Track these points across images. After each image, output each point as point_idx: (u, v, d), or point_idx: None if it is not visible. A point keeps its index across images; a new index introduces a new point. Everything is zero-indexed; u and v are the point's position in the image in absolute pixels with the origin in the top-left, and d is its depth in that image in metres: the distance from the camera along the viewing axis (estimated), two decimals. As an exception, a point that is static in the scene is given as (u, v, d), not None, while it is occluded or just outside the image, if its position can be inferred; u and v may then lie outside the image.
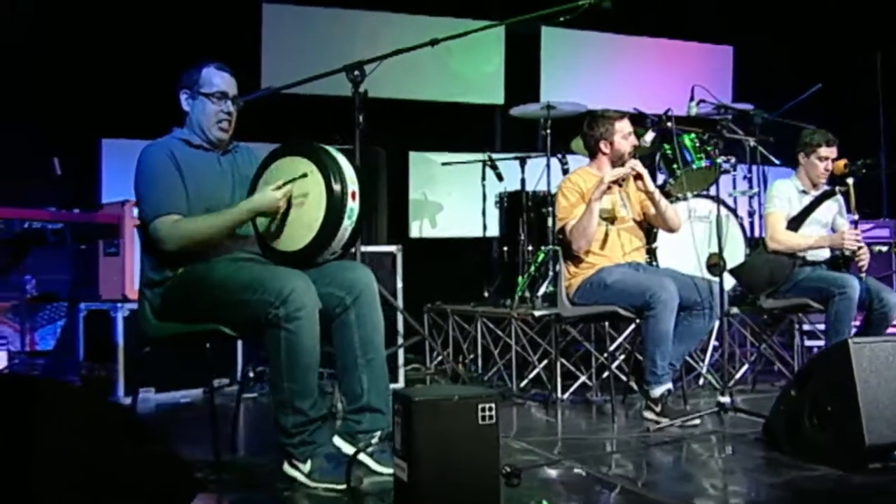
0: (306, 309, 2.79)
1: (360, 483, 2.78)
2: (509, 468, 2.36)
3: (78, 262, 4.95)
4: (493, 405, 2.13)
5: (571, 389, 4.55)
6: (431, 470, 2.08)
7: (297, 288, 2.80)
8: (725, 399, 3.76)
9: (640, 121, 5.43)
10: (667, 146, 5.16)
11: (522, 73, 6.61)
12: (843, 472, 2.86)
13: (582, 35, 6.67)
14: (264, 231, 3.11)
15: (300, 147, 3.09)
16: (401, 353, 5.15)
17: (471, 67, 6.49)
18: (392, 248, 5.19)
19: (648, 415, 3.89)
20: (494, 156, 5.67)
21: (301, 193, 3.03)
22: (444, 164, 5.95)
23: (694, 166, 5.08)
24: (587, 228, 4.04)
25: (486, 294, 5.63)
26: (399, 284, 5.17)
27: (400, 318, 5.11)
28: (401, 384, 5.11)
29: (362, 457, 2.97)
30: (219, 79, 3.21)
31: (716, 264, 4.86)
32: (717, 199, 4.97)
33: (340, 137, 4.10)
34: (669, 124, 4.20)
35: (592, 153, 4.31)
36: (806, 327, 5.32)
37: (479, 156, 5.71)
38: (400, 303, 5.15)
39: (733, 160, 5.27)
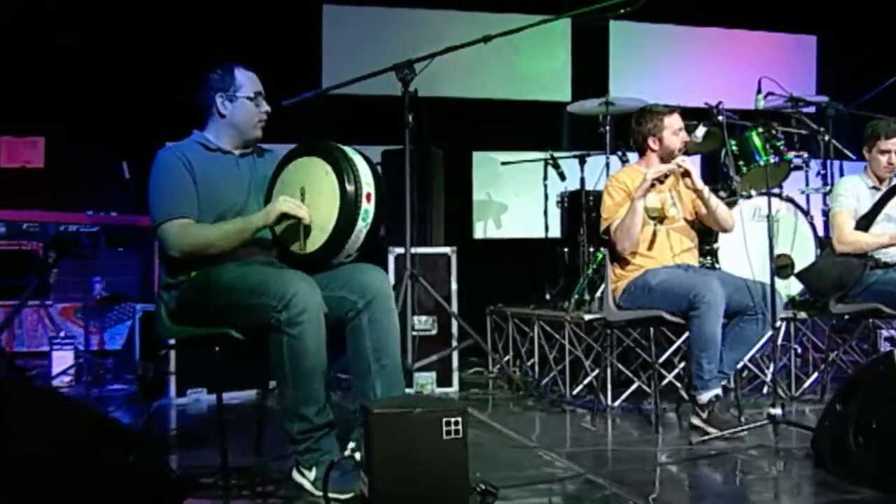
0: (309, 313, 2.73)
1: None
2: (484, 486, 2.23)
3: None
4: (458, 419, 2.01)
5: (623, 397, 4.36)
6: (391, 486, 1.98)
7: (300, 292, 2.73)
8: (776, 411, 3.51)
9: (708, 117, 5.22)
10: (732, 142, 4.92)
11: (590, 68, 6.42)
12: (887, 496, 2.62)
13: (652, 28, 6.43)
14: (281, 232, 3.07)
15: (316, 148, 3.03)
16: (454, 356, 5.06)
17: (537, 64, 6.35)
18: (446, 250, 5.10)
19: (695, 421, 3.70)
20: (557, 154, 5.51)
21: (317, 195, 2.97)
22: (503, 163, 5.82)
23: (761, 162, 4.82)
24: (631, 229, 3.86)
25: (547, 297, 5.48)
26: (454, 286, 5.08)
27: (454, 320, 5.02)
28: (455, 388, 5.04)
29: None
30: (252, 80, 3.22)
31: (784, 266, 4.61)
32: (783, 197, 4.75)
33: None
34: (720, 118, 3.94)
35: (641, 150, 4.13)
36: (891, 333, 4.98)
37: (542, 154, 5.55)
38: (455, 305, 5.06)
39: (806, 155, 4.97)
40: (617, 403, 4.33)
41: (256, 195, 3.14)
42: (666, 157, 4.00)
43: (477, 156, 6.29)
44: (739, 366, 4.00)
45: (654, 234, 3.98)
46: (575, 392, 4.64)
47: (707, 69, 6.26)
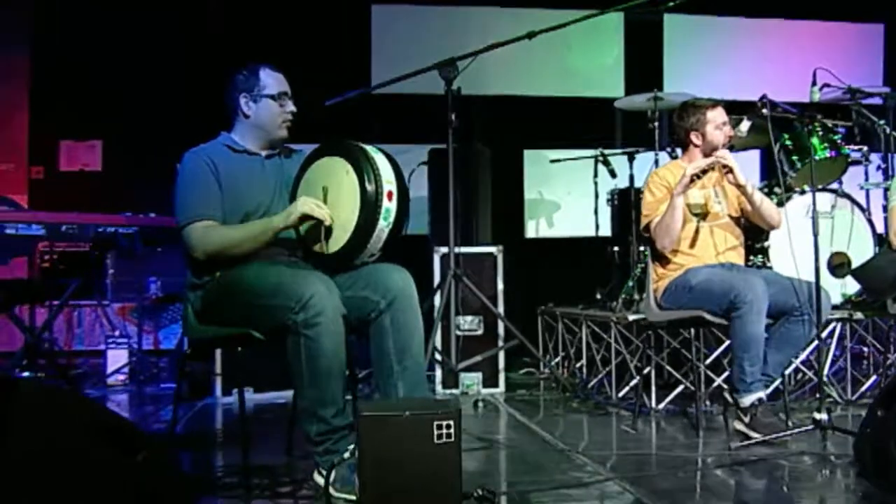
0: (326, 315, 2.71)
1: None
2: (481, 491, 2.17)
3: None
4: (451, 422, 1.96)
5: (668, 399, 4.24)
6: (382, 490, 1.93)
7: (318, 293, 2.72)
8: (823, 416, 3.36)
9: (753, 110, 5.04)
10: (786, 136, 4.75)
11: (643, 63, 6.28)
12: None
13: (707, 20, 6.27)
14: (305, 234, 3.06)
15: (337, 147, 3.01)
16: (501, 357, 5.01)
17: (589, 60, 6.24)
18: (493, 249, 5.05)
19: (738, 426, 3.56)
20: (607, 151, 5.40)
21: (339, 195, 2.96)
22: (552, 161, 5.73)
23: (817, 157, 4.63)
24: (670, 226, 3.75)
25: (598, 296, 5.37)
26: (500, 286, 5.02)
27: (500, 321, 4.97)
28: (501, 389, 4.99)
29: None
30: (278, 80, 3.20)
31: (840, 265, 4.44)
32: (839, 193, 4.56)
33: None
34: (764, 111, 3.79)
35: (684, 145, 4.00)
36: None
37: (592, 152, 5.45)
38: (501, 305, 5.01)
39: (865, 149, 4.77)
40: (662, 406, 4.22)
41: (283, 196, 3.14)
42: (709, 153, 3.87)
43: (528, 154, 6.21)
44: (788, 370, 3.85)
45: (697, 232, 3.86)
46: (621, 394, 4.53)
47: (765, 61, 6.06)
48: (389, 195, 2.92)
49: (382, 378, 2.96)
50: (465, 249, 5.00)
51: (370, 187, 2.87)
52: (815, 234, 3.54)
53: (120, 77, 5.78)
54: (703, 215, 3.85)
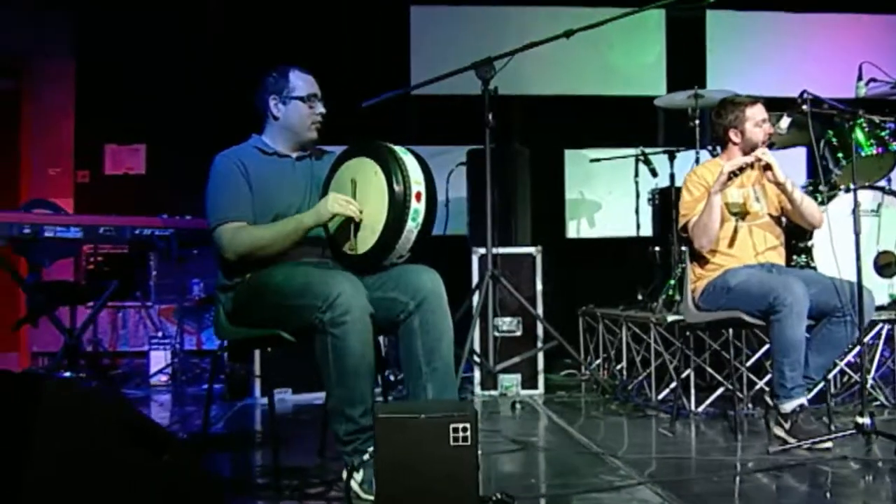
0: (352, 314, 2.70)
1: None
2: (500, 495, 2.14)
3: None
4: (467, 425, 1.93)
5: (708, 402, 4.17)
6: (397, 493, 1.92)
7: (344, 292, 2.72)
8: (865, 420, 3.27)
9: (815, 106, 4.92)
10: (831, 133, 4.64)
11: (686, 61, 6.18)
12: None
13: (750, 16, 6.15)
14: (334, 233, 3.07)
15: (366, 148, 3.01)
16: (540, 358, 4.97)
17: (630, 58, 6.16)
18: (531, 250, 5.01)
19: (778, 431, 3.48)
20: (649, 150, 5.33)
21: (368, 195, 2.96)
22: (592, 160, 5.67)
23: (863, 154, 4.52)
24: (708, 225, 3.68)
25: (639, 297, 5.30)
26: (539, 287, 4.99)
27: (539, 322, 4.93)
28: (540, 390, 4.95)
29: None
30: (306, 82, 3.20)
31: (887, 264, 4.33)
32: (886, 190, 4.45)
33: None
34: (805, 108, 3.70)
35: (722, 143, 3.93)
36: None
37: (632, 151, 5.38)
38: (540, 306, 4.97)
39: (913, 145, 4.64)
40: (701, 409, 4.14)
41: (313, 197, 3.14)
42: (748, 150, 3.79)
43: (569, 154, 6.15)
44: (833, 372, 3.75)
45: (736, 231, 3.78)
46: (661, 396, 4.46)
47: (810, 57, 5.93)
48: (418, 196, 2.91)
49: (412, 380, 2.95)
50: (503, 250, 4.98)
51: (398, 188, 2.87)
52: (857, 234, 3.44)
53: (162, 81, 5.86)
54: (742, 214, 3.76)
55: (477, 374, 4.91)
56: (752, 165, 3.66)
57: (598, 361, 5.34)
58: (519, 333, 4.95)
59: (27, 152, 5.91)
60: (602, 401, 4.67)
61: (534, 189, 5.87)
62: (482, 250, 4.80)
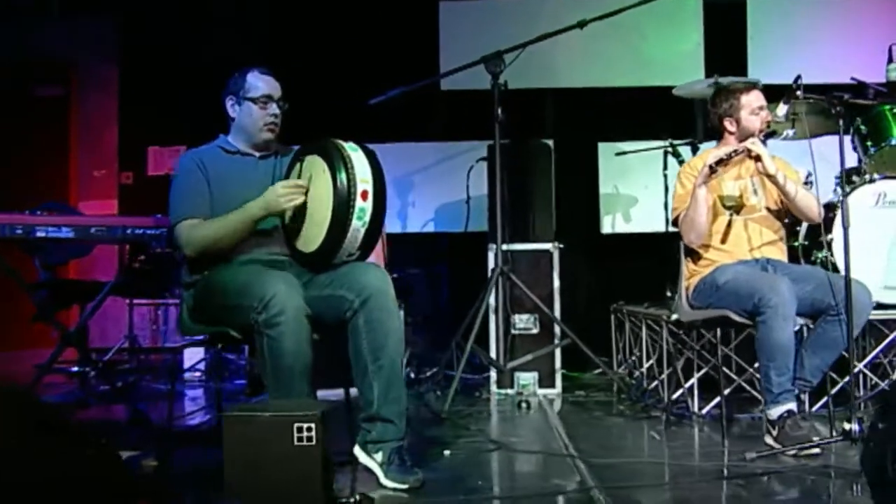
0: (286, 314, 2.72)
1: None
2: (358, 496, 2.09)
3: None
4: (312, 425, 1.90)
5: (713, 404, 3.99)
6: (245, 490, 1.90)
7: (279, 293, 2.74)
8: (853, 426, 3.05)
9: (861, 92, 4.65)
10: (860, 120, 4.37)
11: (725, 48, 5.92)
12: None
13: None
14: (289, 231, 3.09)
15: (316, 146, 3.02)
16: (558, 356, 4.86)
17: (666, 48, 5.94)
18: (548, 247, 4.91)
19: (767, 439, 3.30)
20: (677, 142, 5.14)
21: (317, 193, 2.97)
22: (618, 153, 5.50)
23: (893, 142, 4.24)
24: (694, 220, 3.53)
25: (668, 293, 5.12)
26: (556, 284, 4.89)
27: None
28: (557, 389, 4.84)
29: (374, 468, 2.87)
30: (262, 83, 3.22)
31: (915, 260, 4.05)
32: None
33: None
34: (798, 93, 3.48)
35: (719, 132, 3.75)
36: None
37: (660, 143, 5.20)
38: (557, 303, 4.87)
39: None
40: (705, 411, 3.97)
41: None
42: (745, 140, 3.60)
43: (602, 147, 5.99)
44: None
45: (730, 226, 3.61)
46: (674, 397, 4.29)
47: (858, 41, 5.58)
48: (364, 195, 2.90)
49: (359, 377, 2.95)
50: (518, 246, 4.90)
51: (342, 186, 2.87)
52: (846, 227, 3.22)
53: (201, 84, 5.99)
54: (737, 208, 3.60)
55: (493, 372, 4.84)
56: (732, 156, 3.47)
57: (630, 360, 5.18)
58: (536, 331, 4.85)
59: (75, 156, 6.17)
60: (615, 401, 4.54)
61: (567, 184, 5.76)
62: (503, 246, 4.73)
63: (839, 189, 4.38)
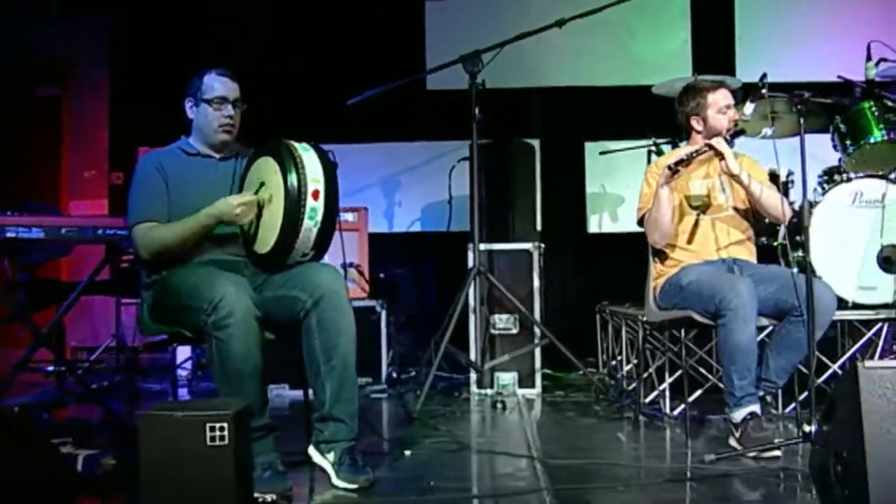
0: (235, 316, 2.73)
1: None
2: (273, 497, 2.09)
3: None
4: (224, 425, 1.90)
5: (683, 406, 3.95)
6: (158, 491, 1.91)
7: (227, 295, 2.75)
8: (812, 428, 3.02)
9: (850, 91, 4.60)
10: (839, 118, 4.32)
11: (713, 46, 5.86)
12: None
13: (784, -4, 5.80)
14: (245, 232, 3.10)
15: (270, 147, 3.03)
16: (538, 356, 4.84)
17: (653, 46, 5.90)
18: (528, 246, 4.89)
19: (731, 440, 3.27)
20: (660, 141, 5.11)
21: (270, 195, 2.98)
22: (602, 153, 5.48)
23: (872, 140, 4.19)
24: (657, 220, 3.51)
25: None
26: (536, 283, 4.86)
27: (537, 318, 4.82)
28: (537, 389, 4.83)
29: (327, 467, 2.89)
30: (219, 84, 3.22)
31: (890, 259, 4.01)
32: (890, 179, 4.13)
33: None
34: (764, 92, 3.45)
35: (687, 132, 3.72)
36: None
37: (644, 143, 5.17)
38: (537, 303, 4.85)
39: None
40: (677, 412, 3.94)
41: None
42: (712, 139, 3.57)
43: (589, 146, 5.95)
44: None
45: (696, 225, 3.59)
46: (649, 399, 4.26)
47: (850, 38, 5.50)
48: (315, 194, 2.91)
49: (312, 377, 2.97)
50: (498, 246, 4.89)
51: (293, 187, 2.88)
52: (806, 227, 3.19)
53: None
54: (703, 208, 3.56)
55: (474, 372, 4.83)
56: (694, 155, 3.44)
57: (614, 361, 5.15)
58: (515, 331, 4.84)
59: (67, 156, 6.22)
60: (593, 402, 4.51)
61: (553, 183, 5.74)
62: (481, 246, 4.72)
63: (819, 188, 4.39)
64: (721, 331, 3.24)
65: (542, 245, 4.95)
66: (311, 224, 2.90)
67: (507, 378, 4.81)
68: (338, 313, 2.92)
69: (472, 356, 4.71)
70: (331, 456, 2.88)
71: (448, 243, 5.55)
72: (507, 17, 5.71)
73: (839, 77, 4.58)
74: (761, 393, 3.39)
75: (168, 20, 6.10)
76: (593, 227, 6.05)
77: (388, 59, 5.78)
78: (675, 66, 5.64)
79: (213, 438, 1.93)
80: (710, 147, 3.44)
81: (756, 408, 3.23)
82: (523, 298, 4.76)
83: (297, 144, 2.97)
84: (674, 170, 3.41)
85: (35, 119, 6.36)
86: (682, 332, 3.61)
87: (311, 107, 5.66)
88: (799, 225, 4.11)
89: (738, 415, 3.23)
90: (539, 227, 5.22)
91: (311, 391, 3.03)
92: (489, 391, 4.80)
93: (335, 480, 2.83)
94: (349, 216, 5.11)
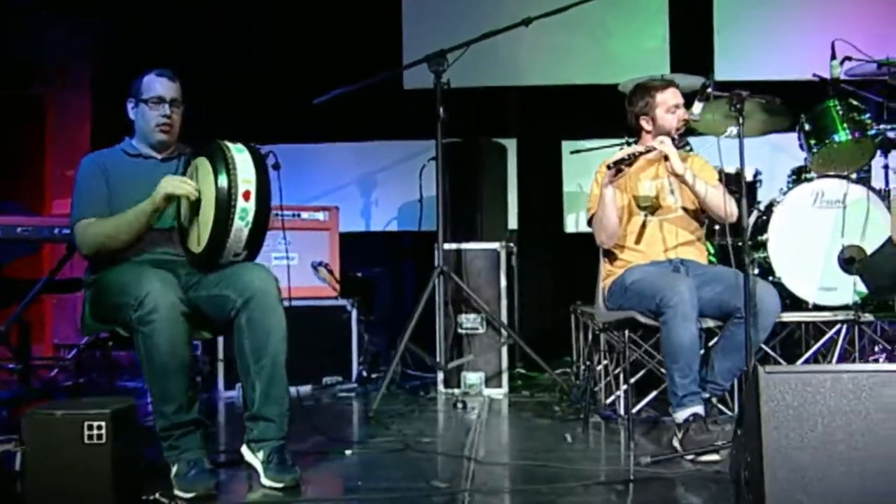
0: (159, 312, 2.75)
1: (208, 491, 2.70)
2: (156, 496, 2.09)
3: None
4: (102, 423, 1.92)
5: (639, 407, 3.93)
6: (42, 489, 1.92)
7: (152, 291, 2.77)
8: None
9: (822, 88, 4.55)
10: (804, 117, 4.28)
11: (691, 44, 5.81)
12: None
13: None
14: (182, 231, 3.12)
15: (205, 147, 3.05)
16: (504, 356, 4.82)
17: (631, 45, 5.86)
18: (495, 246, 4.87)
19: (675, 442, 3.25)
20: (632, 139, 5.05)
21: (205, 194, 2.99)
22: (573, 152, 5.45)
23: (836, 139, 4.14)
24: (603, 220, 3.49)
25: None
26: (503, 283, 4.84)
27: (505, 318, 4.81)
28: (504, 389, 4.81)
29: (257, 466, 2.91)
30: (157, 84, 3.25)
31: (852, 260, 3.97)
32: (850, 178, 4.10)
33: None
34: (709, 90, 3.41)
35: (636, 131, 3.70)
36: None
37: (617, 141, 5.13)
38: (504, 302, 4.83)
39: (902, 130, 4.21)
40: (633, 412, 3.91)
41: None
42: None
43: (566, 145, 5.91)
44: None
45: (644, 226, 3.56)
46: (609, 400, 4.24)
47: (827, 36, 5.45)
48: (246, 195, 2.93)
49: (243, 376, 2.99)
50: (467, 246, 4.88)
51: (223, 187, 2.91)
52: (745, 228, 3.16)
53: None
54: (652, 208, 3.54)
55: (441, 372, 4.82)
56: (635, 156, 3.41)
57: (586, 362, 5.12)
58: (482, 331, 4.82)
59: (50, 155, 6.26)
60: (555, 402, 4.48)
61: (530, 182, 5.73)
62: (446, 246, 4.72)
63: (786, 188, 4.35)
64: (662, 329, 3.22)
65: (512, 245, 4.95)
66: (242, 224, 2.92)
67: (473, 378, 4.80)
68: (267, 313, 2.94)
69: (439, 356, 4.71)
70: (260, 455, 2.91)
71: (423, 243, 5.54)
72: (487, 12, 5.68)
73: (814, 75, 4.52)
74: (706, 395, 3.37)
75: (152, 20, 6.13)
76: (570, 226, 6.03)
77: (365, 58, 5.76)
78: (653, 64, 5.59)
79: (90, 437, 1.95)
80: (654, 148, 3.41)
81: (699, 409, 3.21)
82: (491, 298, 4.75)
83: (230, 145, 2.98)
84: (616, 169, 3.38)
85: (20, 118, 6.40)
86: (626, 332, 3.58)
87: (287, 107, 5.65)
88: (762, 225, 4.10)
89: (681, 415, 3.21)
90: (511, 227, 5.21)
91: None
92: (456, 391, 4.79)
93: (263, 479, 2.86)
94: (320, 215, 5.11)
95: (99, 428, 1.96)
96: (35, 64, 6.34)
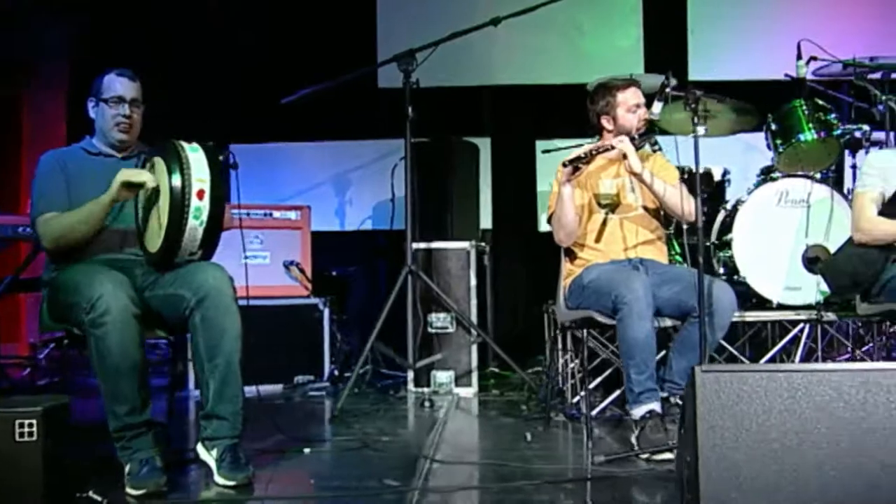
0: (111, 314, 2.76)
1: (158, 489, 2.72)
2: (86, 494, 2.10)
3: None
4: (33, 421, 1.92)
5: (601, 407, 3.95)
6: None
7: (105, 293, 2.78)
8: (700, 430, 3.00)
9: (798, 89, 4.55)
10: (771, 117, 4.29)
11: (665, 44, 5.80)
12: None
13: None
14: (140, 230, 3.13)
15: (160, 147, 3.06)
16: (474, 355, 4.83)
17: (605, 44, 5.86)
18: (465, 245, 4.88)
19: (632, 439, 3.26)
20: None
21: (158, 194, 3.00)
22: (544, 151, 5.44)
23: (802, 139, 4.15)
24: (561, 218, 3.52)
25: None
26: (472, 282, 4.85)
27: (474, 318, 4.82)
28: (474, 388, 4.82)
29: (211, 464, 2.92)
30: (117, 83, 3.26)
31: (815, 259, 3.98)
32: (814, 178, 4.11)
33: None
34: (668, 90, 3.42)
35: (598, 131, 3.71)
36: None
37: (589, 140, 5.13)
38: (474, 302, 4.83)
39: (866, 129, 4.23)
40: (595, 412, 3.92)
41: (137, 195, 3.19)
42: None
43: (540, 144, 5.91)
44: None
45: (605, 225, 3.57)
46: (575, 399, 4.25)
47: (807, 35, 5.45)
48: (200, 194, 2.93)
49: (199, 375, 2.99)
50: (437, 245, 4.89)
51: (177, 186, 2.91)
52: (699, 227, 3.16)
53: (150, 86, 6.05)
54: (612, 207, 3.55)
55: (411, 371, 4.83)
56: (593, 154, 3.42)
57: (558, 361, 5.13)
58: (452, 330, 4.83)
59: (26, 156, 6.24)
60: (522, 401, 4.49)
61: (504, 182, 5.74)
62: (415, 245, 4.72)
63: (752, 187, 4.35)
64: (618, 326, 3.23)
65: (484, 244, 4.95)
66: (196, 223, 2.92)
67: (443, 377, 4.81)
68: (221, 312, 2.94)
69: (409, 355, 4.72)
70: (214, 453, 2.92)
71: (397, 242, 5.55)
72: (464, 10, 5.66)
73: (786, 75, 4.52)
74: (665, 393, 3.37)
75: (128, 22, 6.13)
76: (544, 225, 6.01)
77: (340, 57, 5.75)
78: (627, 64, 5.59)
79: (21, 435, 1.96)
80: (612, 146, 3.42)
81: (656, 405, 3.22)
82: (461, 297, 4.76)
83: (185, 144, 2.99)
84: (573, 167, 3.40)
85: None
86: (584, 332, 3.59)
87: (260, 106, 5.64)
88: (727, 224, 4.12)
89: (638, 412, 3.22)
90: (485, 226, 5.21)
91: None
92: (426, 390, 4.80)
93: (216, 477, 2.87)
94: (292, 214, 5.11)
95: (30, 426, 1.96)
96: (10, 64, 6.32)
